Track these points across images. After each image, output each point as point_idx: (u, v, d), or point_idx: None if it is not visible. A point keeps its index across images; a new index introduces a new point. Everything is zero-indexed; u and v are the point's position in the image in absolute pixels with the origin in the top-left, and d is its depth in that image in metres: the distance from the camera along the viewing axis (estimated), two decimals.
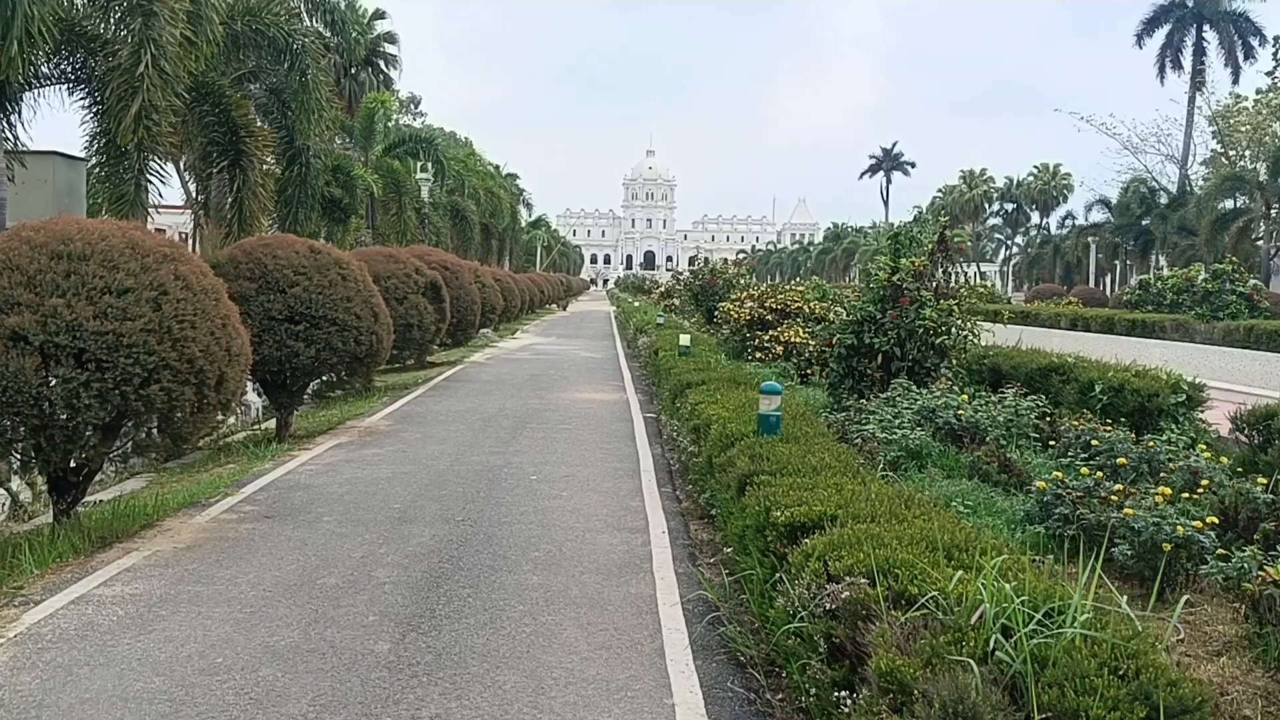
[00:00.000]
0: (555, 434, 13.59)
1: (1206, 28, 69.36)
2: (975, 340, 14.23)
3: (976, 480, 10.02)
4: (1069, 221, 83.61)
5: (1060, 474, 9.06)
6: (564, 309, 68.73)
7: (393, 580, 6.94)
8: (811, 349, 19.74)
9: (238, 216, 17.73)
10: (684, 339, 17.22)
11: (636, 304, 49.19)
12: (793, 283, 34.51)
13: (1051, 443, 11.26)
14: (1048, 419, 11.93)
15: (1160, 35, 69.64)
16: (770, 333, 20.78)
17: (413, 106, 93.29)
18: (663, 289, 57.52)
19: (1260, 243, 49.81)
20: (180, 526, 8.57)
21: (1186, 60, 69.64)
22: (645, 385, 20.41)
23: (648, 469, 11.30)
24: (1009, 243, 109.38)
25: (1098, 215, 66.29)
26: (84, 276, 7.46)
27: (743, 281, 35.97)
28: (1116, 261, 68.04)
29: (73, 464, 8.25)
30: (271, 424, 14.75)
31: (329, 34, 49.75)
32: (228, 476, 10.80)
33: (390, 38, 51.60)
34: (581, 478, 10.67)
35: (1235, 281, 34.64)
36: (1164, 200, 58.39)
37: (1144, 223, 60.75)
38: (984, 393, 13.30)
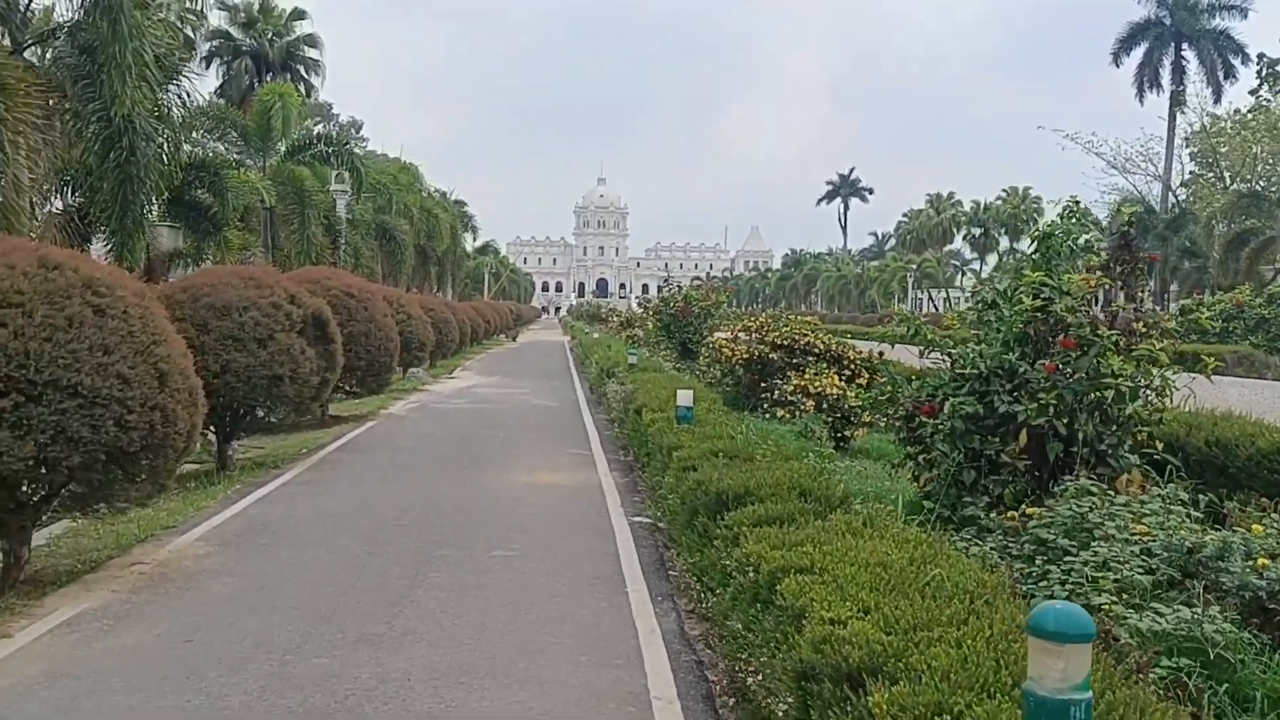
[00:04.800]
0: (486, 576, 7.85)
1: (1185, 46, 66.47)
2: (1169, 406, 8.85)
3: None
4: None
5: None
6: (513, 340, 62.67)
7: None
8: (850, 403, 14.29)
9: None
10: (683, 395, 11.59)
11: (595, 335, 43.50)
12: (794, 312, 29.31)
13: None
14: None
15: (1138, 54, 66.73)
16: (794, 381, 15.23)
17: (354, 131, 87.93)
18: (623, 318, 51.86)
19: (1265, 266, 45.62)
20: None
21: (1166, 79, 66.71)
22: (618, 450, 14.79)
23: (664, 686, 5.64)
24: (965, 269, 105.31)
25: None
26: None
27: (722, 309, 30.61)
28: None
29: None
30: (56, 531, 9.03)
31: (240, 35, 44.10)
32: None
33: (311, 40, 45.85)
34: None
35: None
36: (1160, 223, 54.05)
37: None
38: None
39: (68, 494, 7.71)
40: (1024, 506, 7.69)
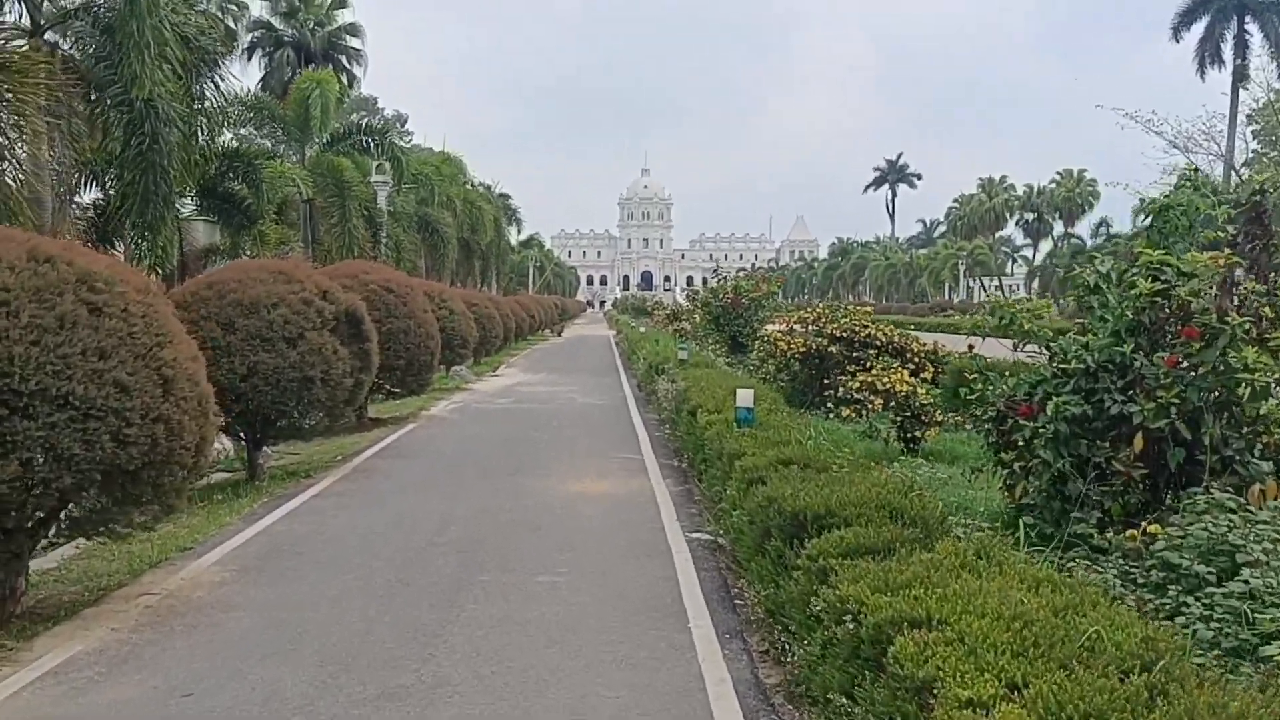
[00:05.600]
0: (529, 607, 6.96)
1: (1249, 19, 64.25)
2: None
3: None
4: (1103, 229, 77.08)
5: None
6: (559, 335, 61.92)
7: None
8: (922, 401, 13.23)
9: None
10: (743, 395, 10.63)
11: (642, 330, 42.57)
12: (847, 302, 28.15)
13: None
14: None
15: (1198, 29, 64.74)
16: (860, 377, 14.18)
17: (399, 125, 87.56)
18: (669, 311, 50.83)
19: None
20: None
21: (1228, 54, 64.66)
22: (671, 454, 13.88)
23: None
24: (1016, 255, 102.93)
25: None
26: None
27: (774, 300, 29.46)
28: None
29: None
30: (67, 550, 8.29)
31: (281, 25, 43.65)
32: None
33: (353, 29, 45.25)
34: None
35: None
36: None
37: None
38: None
39: (66, 518, 6.94)
40: (1144, 524, 6.65)
